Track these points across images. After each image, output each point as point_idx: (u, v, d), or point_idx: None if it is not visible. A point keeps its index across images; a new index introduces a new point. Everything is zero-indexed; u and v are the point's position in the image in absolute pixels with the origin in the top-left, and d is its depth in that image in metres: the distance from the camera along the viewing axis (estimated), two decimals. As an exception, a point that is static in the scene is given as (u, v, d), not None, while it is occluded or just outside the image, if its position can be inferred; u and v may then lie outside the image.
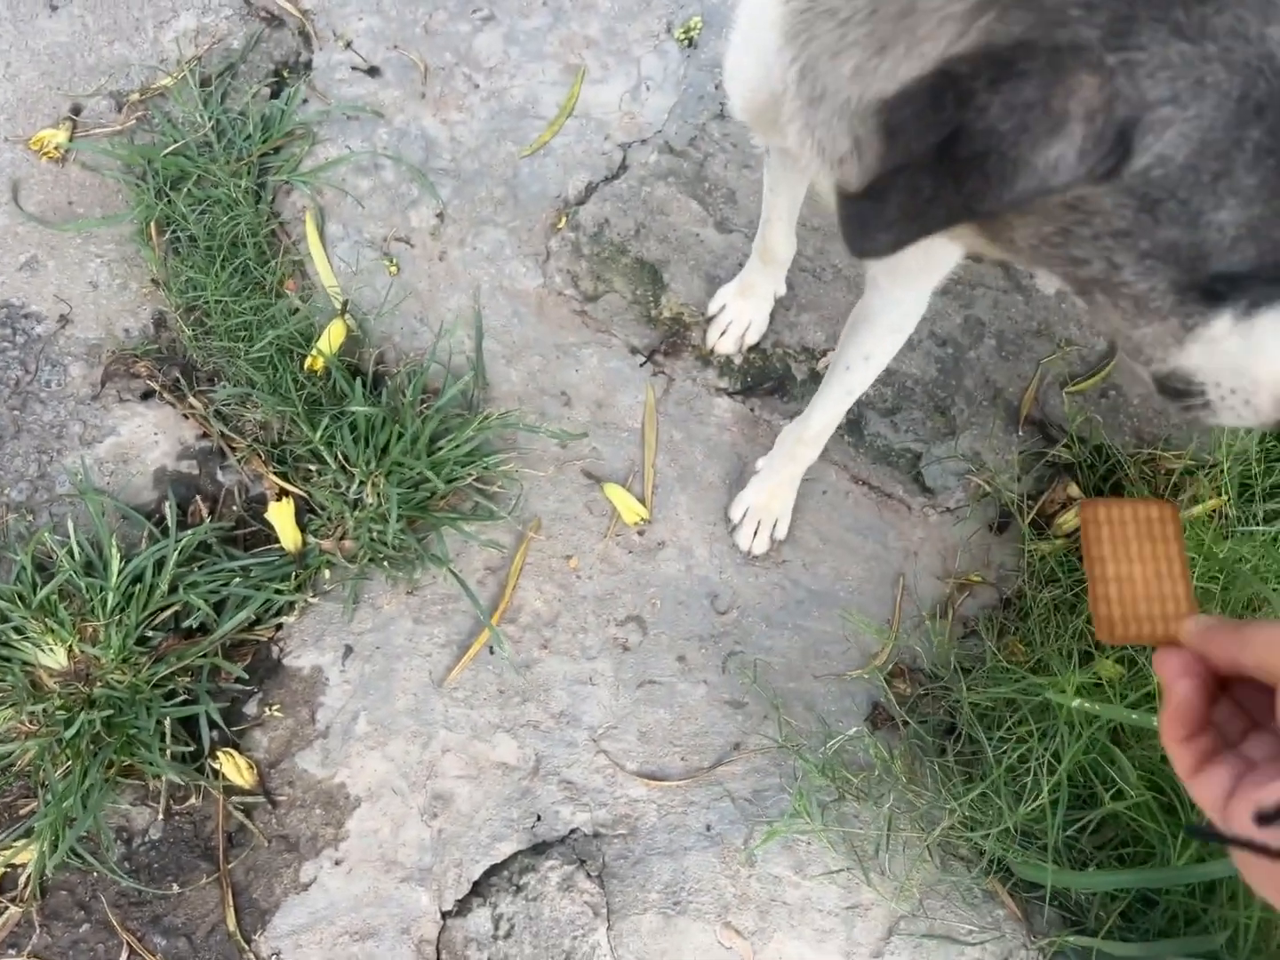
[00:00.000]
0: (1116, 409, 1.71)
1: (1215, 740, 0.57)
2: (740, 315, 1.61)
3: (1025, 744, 1.29)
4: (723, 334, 1.63)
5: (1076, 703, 1.26)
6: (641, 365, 1.63)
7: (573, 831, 1.37)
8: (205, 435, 1.50)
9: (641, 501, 1.55)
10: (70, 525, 1.37)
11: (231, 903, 1.29)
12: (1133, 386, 1.72)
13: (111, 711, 1.29)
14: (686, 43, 1.81)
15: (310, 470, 1.47)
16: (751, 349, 1.65)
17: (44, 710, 1.29)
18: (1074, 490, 1.65)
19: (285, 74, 1.75)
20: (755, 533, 1.53)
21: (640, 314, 1.66)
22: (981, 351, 1.69)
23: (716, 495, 1.58)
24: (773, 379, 1.65)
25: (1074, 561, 1.58)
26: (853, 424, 1.62)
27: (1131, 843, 1.31)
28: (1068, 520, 1.62)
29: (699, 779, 1.42)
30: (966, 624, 1.56)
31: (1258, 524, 1.56)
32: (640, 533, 1.55)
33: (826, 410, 1.41)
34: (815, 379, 1.66)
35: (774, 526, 1.53)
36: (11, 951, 1.24)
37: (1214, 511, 1.58)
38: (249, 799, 1.33)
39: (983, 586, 1.57)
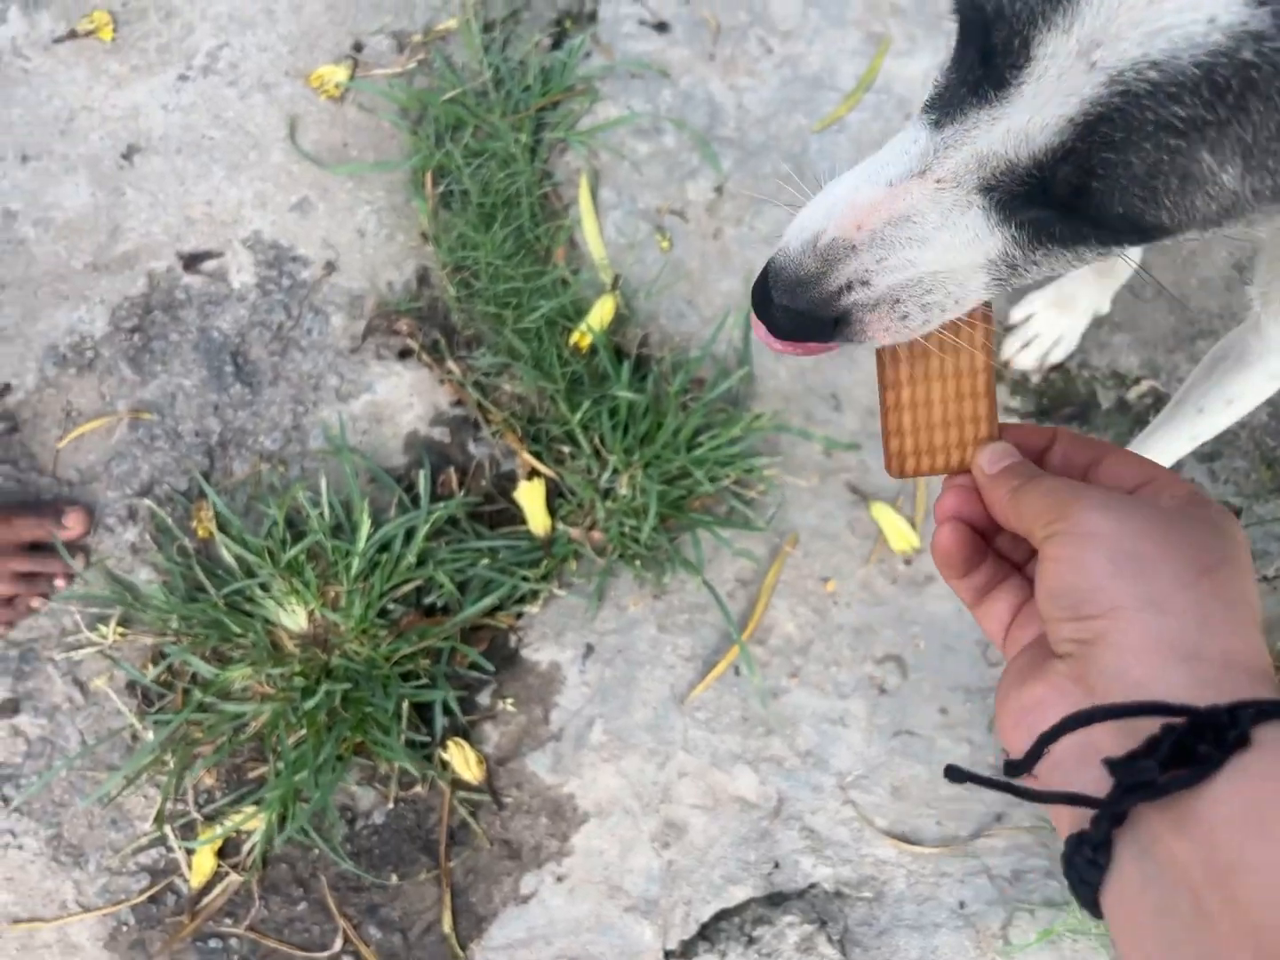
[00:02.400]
0: None
1: (995, 570, 0.54)
2: (1049, 329, 1.43)
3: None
4: (1025, 346, 1.45)
5: None
6: (922, 374, 1.47)
7: (813, 886, 1.25)
8: (460, 403, 1.42)
9: (911, 526, 1.40)
10: (323, 483, 1.32)
11: (449, 904, 1.22)
12: None
13: (349, 685, 1.23)
14: (1007, 16, 1.61)
15: (564, 452, 1.38)
16: (1054, 368, 1.47)
17: (282, 675, 1.25)
18: None
19: (569, 24, 1.64)
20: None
21: (926, 317, 1.49)
22: (1327, 400, 1.45)
23: (994, 529, 1.41)
24: (1074, 404, 1.46)
25: None
26: (1164, 467, 1.42)
27: None
28: None
29: (954, 849, 1.27)
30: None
31: None
32: (908, 562, 1.39)
33: (1158, 456, 1.22)
34: (1122, 408, 1.46)
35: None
36: (229, 921, 1.21)
37: None
38: (475, 796, 1.26)
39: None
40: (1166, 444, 1.21)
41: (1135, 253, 1.23)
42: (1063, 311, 1.42)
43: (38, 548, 1.30)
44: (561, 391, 1.38)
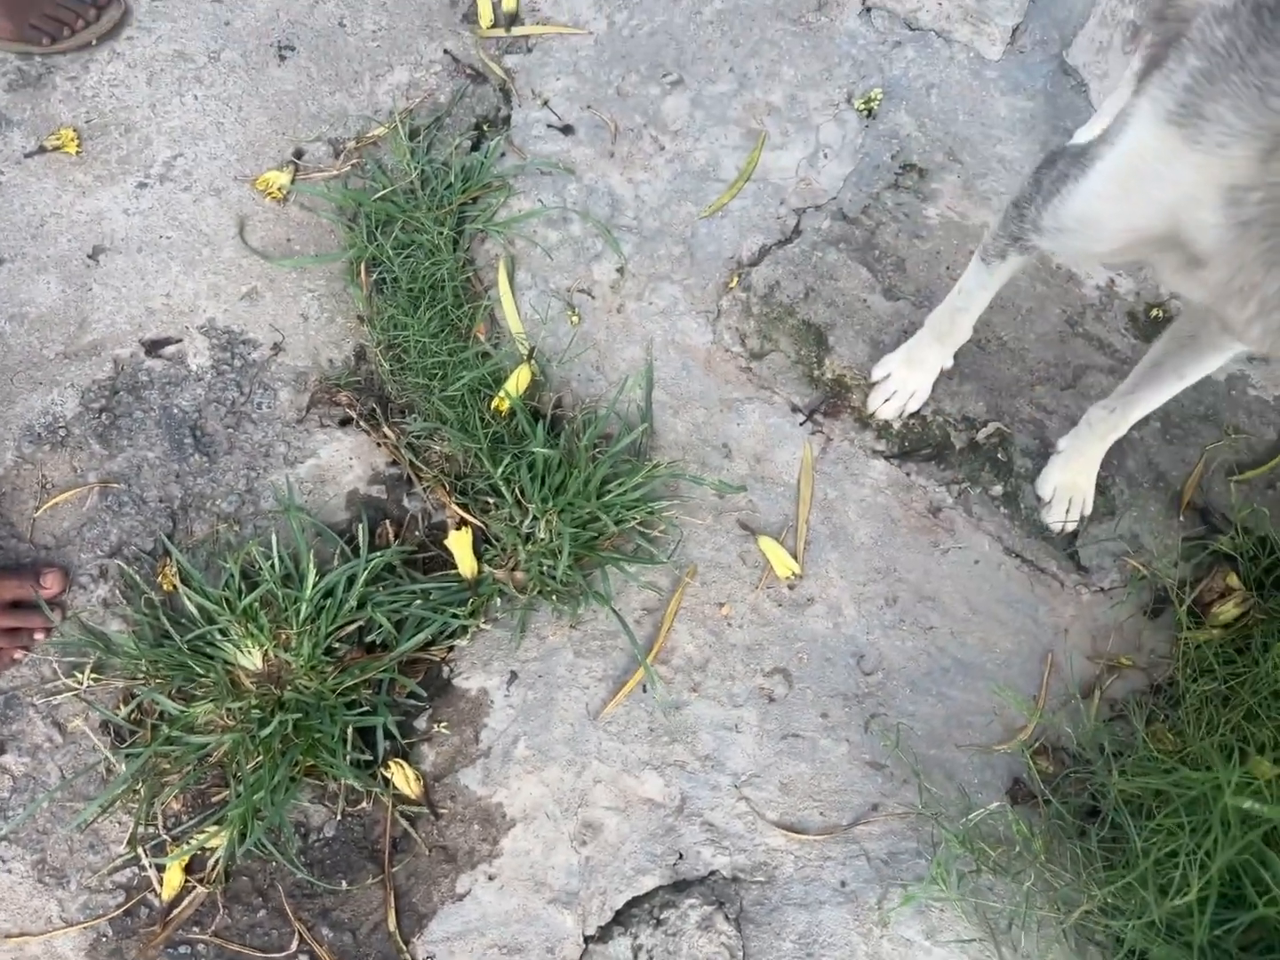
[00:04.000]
0: (1284, 501, 1.68)
1: None
2: (904, 385, 1.65)
3: (1175, 838, 1.29)
4: (886, 401, 1.67)
5: (1248, 804, 1.26)
6: (801, 423, 1.69)
7: (713, 873, 1.43)
8: (395, 463, 1.61)
9: (794, 556, 1.60)
10: (274, 539, 1.50)
11: (393, 905, 1.38)
12: (1303, 480, 1.69)
13: (300, 715, 1.40)
14: (866, 113, 1.87)
15: (489, 503, 1.57)
16: (912, 416, 1.69)
17: (240, 708, 1.41)
18: (1234, 580, 1.63)
19: (486, 128, 1.87)
20: (1067, 509, 1.62)
21: (803, 374, 1.71)
22: (1146, 433, 1.69)
23: (867, 555, 1.62)
24: (931, 446, 1.69)
25: (1230, 653, 1.56)
26: (1009, 496, 1.64)
27: (1278, 948, 1.29)
28: (1226, 610, 1.60)
29: (836, 835, 1.46)
30: (1114, 706, 1.56)
31: None
32: (791, 587, 1.60)
33: (1141, 409, 1.51)
34: (974, 448, 1.68)
35: (1082, 504, 1.63)
36: (196, 929, 1.36)
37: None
38: (414, 809, 1.42)
39: (1133, 670, 1.57)
40: (1150, 401, 1.49)
41: (978, 311, 1.49)
42: (914, 370, 1.64)
43: (19, 605, 1.47)
44: (485, 450, 1.57)
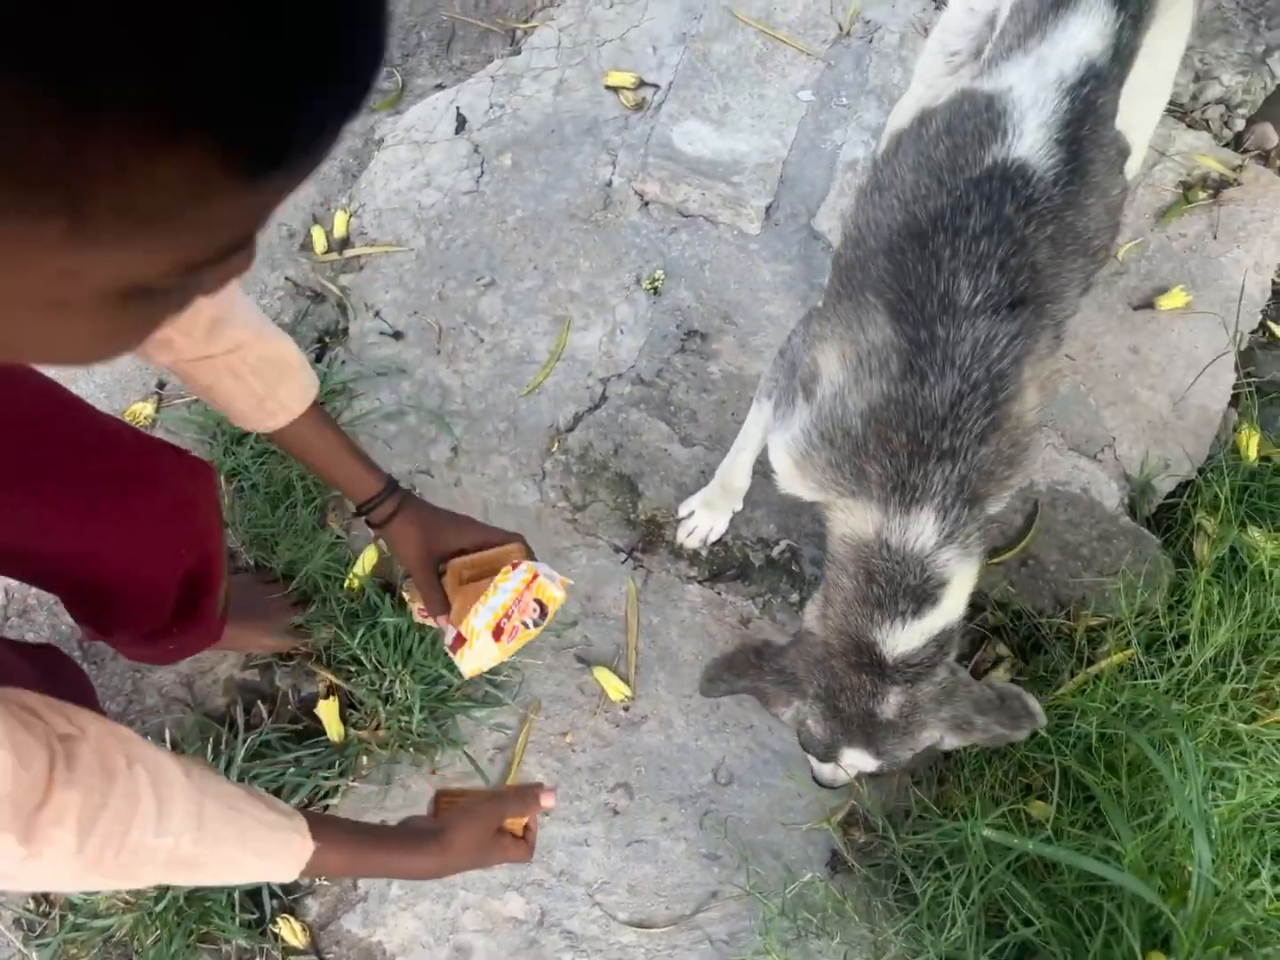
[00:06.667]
0: (1035, 576, 1.98)
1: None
2: (704, 522, 1.93)
3: (945, 883, 1.53)
4: (690, 534, 1.94)
5: (988, 832, 1.50)
6: (623, 561, 1.95)
7: (573, 976, 1.61)
8: (265, 647, 1.83)
9: (625, 681, 1.84)
10: (166, 734, 1.69)
11: (290, 1049, 1.54)
12: (1048, 554, 1.99)
13: (191, 887, 1.58)
14: (653, 291, 2.20)
15: (350, 671, 1.79)
16: (715, 543, 1.97)
17: (137, 890, 1.58)
18: (1003, 649, 1.91)
19: (328, 340, 2.16)
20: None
21: (621, 518, 1.99)
22: (912, 534, 1.98)
23: (690, 669, 1.86)
24: (734, 566, 1.96)
25: (1004, 714, 1.82)
26: (804, 601, 1.91)
27: (1047, 963, 1.52)
28: (999, 677, 1.88)
29: (681, 925, 1.66)
30: (914, 775, 1.80)
31: (1170, 667, 1.80)
32: (625, 709, 1.83)
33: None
34: (771, 564, 1.96)
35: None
36: None
37: (1124, 663, 1.83)
38: (304, 958, 1.60)
39: (925, 740, 1.82)
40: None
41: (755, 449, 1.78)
42: (711, 509, 1.93)
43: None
44: (342, 624, 1.80)
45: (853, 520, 1.34)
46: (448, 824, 1.09)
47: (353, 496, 1.30)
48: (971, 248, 1.24)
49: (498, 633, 1.27)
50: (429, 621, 1.42)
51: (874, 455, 1.28)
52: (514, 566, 1.29)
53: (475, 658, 1.30)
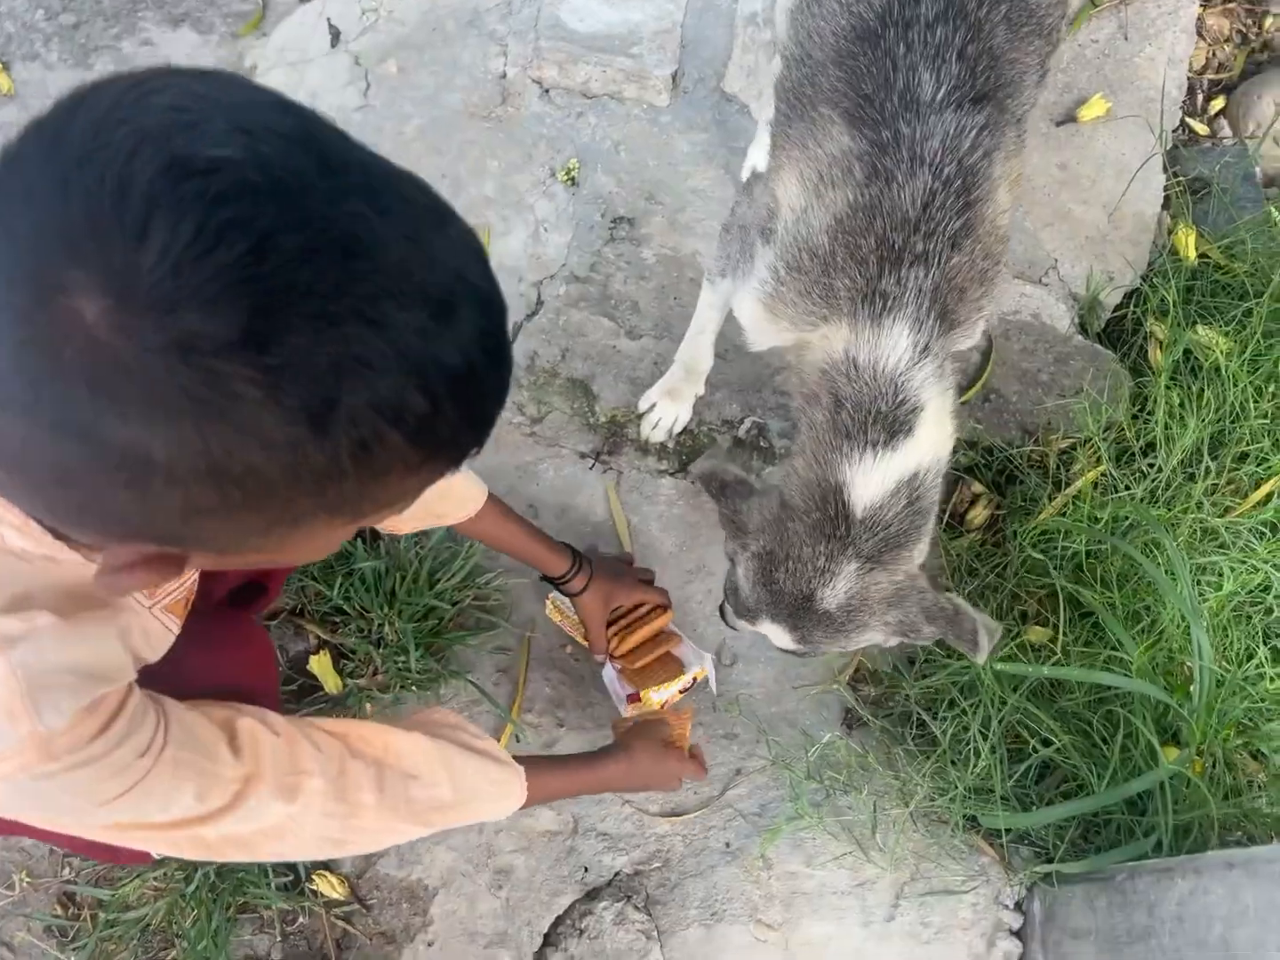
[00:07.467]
0: (999, 409, 1.98)
1: None
2: (668, 412, 1.89)
3: (963, 719, 1.56)
4: (654, 427, 1.90)
5: (1000, 665, 1.53)
6: (591, 467, 1.91)
7: (617, 874, 1.63)
8: (243, 614, 1.77)
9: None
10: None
11: (351, 996, 1.55)
12: (1009, 385, 1.99)
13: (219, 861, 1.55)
14: (570, 182, 2.10)
15: (335, 622, 1.75)
16: (680, 433, 1.93)
17: (164, 874, 1.56)
18: (978, 487, 1.92)
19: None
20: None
21: (581, 424, 1.94)
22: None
23: (677, 561, 1.85)
24: (702, 451, 1.93)
25: (990, 551, 1.84)
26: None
27: (1071, 779, 1.57)
28: (978, 513, 1.89)
29: (712, 806, 1.68)
30: (910, 623, 1.82)
31: (1143, 477, 1.82)
32: (621, 613, 1.81)
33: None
34: (739, 445, 1.93)
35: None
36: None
37: (1098, 479, 1.85)
38: (346, 908, 1.59)
39: (917, 588, 1.84)
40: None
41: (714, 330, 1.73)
42: (674, 399, 1.88)
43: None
44: (318, 576, 1.75)
45: (828, 347, 1.25)
46: (621, 739, 1.46)
47: (547, 573, 1.61)
48: (926, 38, 1.18)
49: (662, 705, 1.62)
50: (575, 635, 1.74)
51: (842, 268, 1.19)
52: (695, 681, 1.67)
53: (636, 710, 1.61)
